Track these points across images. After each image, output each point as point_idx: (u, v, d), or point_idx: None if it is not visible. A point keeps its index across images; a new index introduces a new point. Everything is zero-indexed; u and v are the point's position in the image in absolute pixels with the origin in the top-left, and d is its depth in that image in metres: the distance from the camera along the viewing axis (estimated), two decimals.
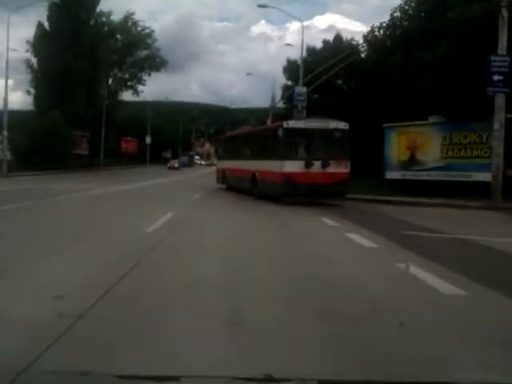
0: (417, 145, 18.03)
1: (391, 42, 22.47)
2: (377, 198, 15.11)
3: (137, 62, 47.49)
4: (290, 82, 29.84)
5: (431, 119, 17.29)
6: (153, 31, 48.12)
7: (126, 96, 49.73)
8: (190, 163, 66.58)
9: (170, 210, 10.24)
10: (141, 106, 69.84)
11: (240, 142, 19.18)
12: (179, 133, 75.78)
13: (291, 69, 30.38)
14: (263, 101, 44.60)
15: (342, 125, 13.88)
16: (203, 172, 43.26)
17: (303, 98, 21.44)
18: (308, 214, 11.11)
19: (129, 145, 60.43)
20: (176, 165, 51.43)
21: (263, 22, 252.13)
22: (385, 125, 19.06)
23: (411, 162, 18.05)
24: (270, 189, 14.07)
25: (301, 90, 21.84)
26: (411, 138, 18.16)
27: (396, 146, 18.77)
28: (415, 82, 17.38)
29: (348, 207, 13.23)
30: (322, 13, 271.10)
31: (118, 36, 46.02)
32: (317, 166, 13.38)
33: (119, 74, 47.93)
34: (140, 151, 61.33)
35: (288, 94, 26.82)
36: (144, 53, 48.36)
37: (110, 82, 47.69)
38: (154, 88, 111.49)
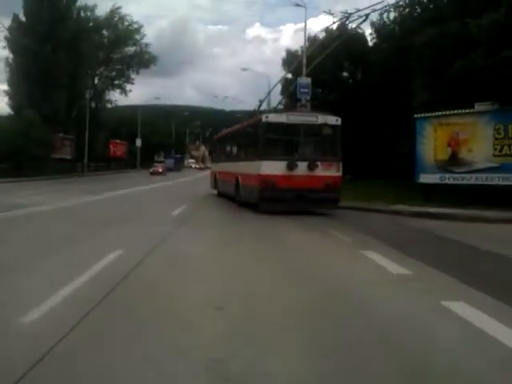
0: (460, 140, 14.48)
1: (413, 20, 20.25)
2: (412, 210, 12.61)
3: (124, 59, 45.69)
4: (290, 76, 27.83)
5: (479, 107, 14.02)
6: (141, 26, 46.93)
7: (114, 96, 47.92)
8: (177, 167, 60.78)
9: (124, 242, 6.81)
10: (134, 109, 68.80)
11: (227, 142, 17.91)
12: (172, 135, 74.07)
13: (291, 61, 28.34)
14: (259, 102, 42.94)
15: (333, 119, 12.11)
16: (195, 177, 41.36)
17: (307, 90, 19.66)
18: (317, 233, 8.94)
19: (118, 148, 58.92)
20: (160, 169, 44.83)
21: (258, 24, 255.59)
22: (416, 115, 15.62)
23: (453, 162, 14.56)
24: (249, 194, 12.64)
25: (304, 81, 19.98)
26: (452, 131, 14.63)
27: (432, 142, 15.12)
28: (454, 60, 14.66)
29: (375, 222, 11.36)
30: (316, 15, 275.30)
31: (104, 32, 44.14)
32: (302, 167, 11.89)
33: (105, 72, 46.12)
34: (131, 155, 59.67)
35: (288, 88, 24.86)
36: (132, 49, 46.51)
37: (97, 81, 45.91)
38: (148, 92, 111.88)
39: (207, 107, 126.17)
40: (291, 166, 11.69)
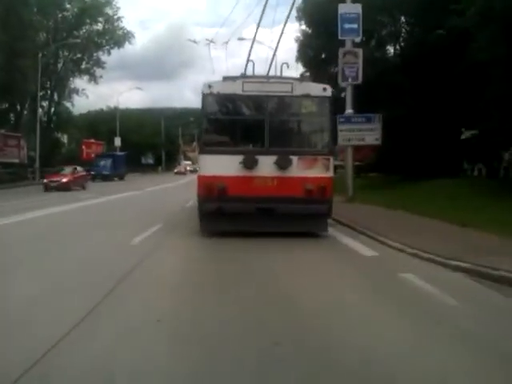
0: None
1: None
2: None
3: (90, 37, 42.16)
4: (308, 29, 23.31)
5: None
6: None
7: (81, 85, 44.35)
8: (116, 173, 41.92)
9: None
10: (129, 113, 66.39)
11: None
12: (162, 135, 70.57)
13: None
14: None
15: (319, 89, 8.98)
16: (174, 184, 34.19)
17: (356, 25, 14.89)
18: None
19: (93, 149, 55.26)
20: (65, 179, 26.10)
21: (254, 26, 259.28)
22: None
23: None
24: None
25: (350, 9, 15.12)
26: None
27: None
28: None
29: None
30: None
31: (67, 5, 40.79)
32: (267, 165, 8.79)
33: (70, 55, 42.74)
34: None
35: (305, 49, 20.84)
36: (100, 26, 43.05)
37: (60, 67, 42.48)
38: (147, 96, 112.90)
39: None
40: (250, 163, 8.57)
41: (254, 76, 9.84)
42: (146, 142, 67.41)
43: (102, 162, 41.93)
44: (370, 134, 16.10)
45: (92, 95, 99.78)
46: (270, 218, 8.58)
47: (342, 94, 17.87)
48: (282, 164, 8.56)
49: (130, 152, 58.63)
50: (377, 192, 18.74)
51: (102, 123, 62.12)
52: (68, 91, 44.43)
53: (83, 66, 44.87)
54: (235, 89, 8.81)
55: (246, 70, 10.90)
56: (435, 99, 19.99)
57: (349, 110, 16.24)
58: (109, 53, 44.86)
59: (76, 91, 44.49)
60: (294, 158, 8.62)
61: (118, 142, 56.34)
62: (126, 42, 45.84)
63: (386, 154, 23.12)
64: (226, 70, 54.25)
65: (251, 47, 11.99)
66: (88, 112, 66.46)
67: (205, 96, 8.74)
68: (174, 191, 26.38)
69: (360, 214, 11.95)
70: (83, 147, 52.93)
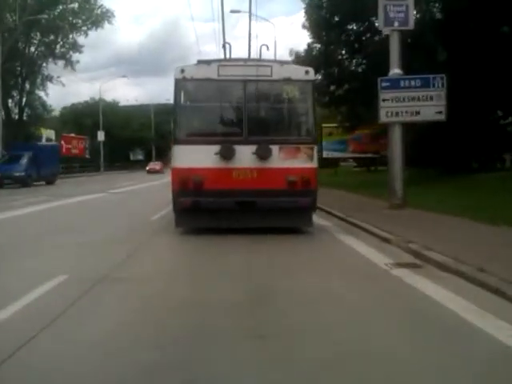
0: None
1: None
2: None
3: (65, 17, 41.22)
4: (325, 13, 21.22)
5: None
6: None
7: (56, 71, 43.58)
8: (38, 174, 29.72)
9: None
10: (115, 106, 65.64)
11: None
12: (152, 130, 68.78)
13: None
14: None
15: (301, 71, 8.76)
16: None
17: (403, 4, 11.74)
18: None
19: (73, 144, 54.65)
20: None
21: (246, 20, 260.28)
22: None
23: None
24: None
25: None
26: None
27: None
28: None
29: None
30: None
31: None
32: (245, 155, 8.70)
33: (43, 38, 41.99)
34: (98, 153, 57.08)
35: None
36: (75, 4, 42.13)
37: (31, 51, 41.76)
38: (144, 93, 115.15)
39: None
40: (227, 154, 8.62)
41: (230, 59, 9.69)
42: (134, 137, 65.64)
43: (15, 159, 28.91)
44: (428, 105, 11.57)
45: (89, 91, 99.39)
46: (250, 213, 8.61)
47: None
48: (262, 154, 8.54)
49: (117, 148, 58.87)
50: (428, 191, 14.59)
51: (87, 117, 60.36)
52: (41, 78, 43.89)
53: (58, 50, 44.05)
54: (210, 73, 8.75)
55: (225, 53, 10.73)
56: (475, 75, 16.98)
57: (396, 70, 11.78)
58: (86, 34, 44.06)
59: (50, 78, 43.95)
60: (275, 148, 8.59)
61: (101, 136, 55.52)
62: (106, 22, 44.62)
63: (414, 143, 18.17)
64: None
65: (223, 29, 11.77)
66: (72, 105, 65.80)
67: (177, 81, 8.71)
68: (139, 198, 20.21)
69: (455, 240, 7.25)
70: (62, 142, 51.45)
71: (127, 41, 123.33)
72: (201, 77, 8.79)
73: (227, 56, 11.72)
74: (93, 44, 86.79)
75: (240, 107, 8.92)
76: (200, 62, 9.06)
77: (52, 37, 43.08)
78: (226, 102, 9.24)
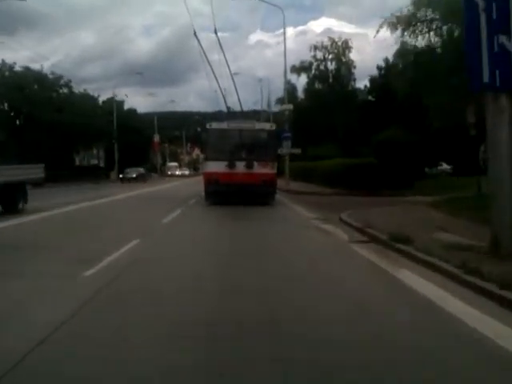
0: None
1: None
2: None
3: None
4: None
5: None
6: None
7: None
8: None
9: None
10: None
11: None
12: (114, 121, 53.57)
13: None
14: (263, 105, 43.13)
15: (268, 126, 17.42)
16: None
17: None
18: None
19: None
20: None
21: (258, 30, 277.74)
22: None
23: None
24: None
25: None
26: None
27: None
28: None
29: None
30: (316, 18, 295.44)
31: None
32: (241, 166, 17.45)
33: None
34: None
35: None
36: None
37: None
38: (152, 101, 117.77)
39: (212, 112, 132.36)
40: (231, 165, 16.90)
41: (234, 119, 18.86)
42: (81, 130, 45.51)
43: None
44: None
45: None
46: (242, 195, 17.34)
47: None
48: (249, 165, 17.40)
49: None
50: None
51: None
52: None
53: None
54: (223, 126, 17.92)
55: (240, 103, 20.05)
56: None
57: None
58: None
59: None
60: (256, 163, 17.47)
61: None
62: None
63: None
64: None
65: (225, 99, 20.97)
66: None
67: (207, 129, 17.71)
68: None
69: None
70: None
71: None
72: (219, 127, 17.91)
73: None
74: None
75: (238, 142, 17.83)
76: (217, 121, 18.10)
77: None
78: (231, 140, 17.97)
